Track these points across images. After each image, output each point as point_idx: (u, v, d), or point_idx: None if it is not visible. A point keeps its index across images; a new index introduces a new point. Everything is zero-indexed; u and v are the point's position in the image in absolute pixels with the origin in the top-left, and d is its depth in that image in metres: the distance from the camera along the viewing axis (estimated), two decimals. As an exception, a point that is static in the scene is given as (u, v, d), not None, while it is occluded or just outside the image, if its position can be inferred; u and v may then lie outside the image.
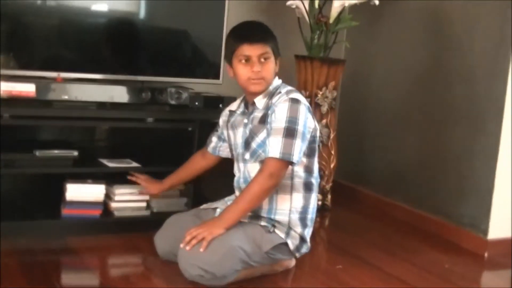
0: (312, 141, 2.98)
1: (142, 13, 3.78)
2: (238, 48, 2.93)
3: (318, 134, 3.03)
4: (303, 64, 4.15)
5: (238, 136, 3.07)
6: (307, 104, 2.95)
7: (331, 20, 4.08)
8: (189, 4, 3.80)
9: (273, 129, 2.85)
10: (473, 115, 3.75)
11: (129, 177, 3.37)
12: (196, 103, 3.66)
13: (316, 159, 3.04)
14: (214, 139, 3.28)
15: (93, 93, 3.46)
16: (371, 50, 4.61)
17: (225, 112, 3.22)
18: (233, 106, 3.18)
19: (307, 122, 2.90)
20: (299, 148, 2.84)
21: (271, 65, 2.95)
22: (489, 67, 3.66)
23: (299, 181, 2.99)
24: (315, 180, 3.05)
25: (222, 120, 3.23)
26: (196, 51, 3.88)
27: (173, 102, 3.58)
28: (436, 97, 4.02)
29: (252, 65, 2.91)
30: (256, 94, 2.98)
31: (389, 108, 4.43)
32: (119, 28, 3.69)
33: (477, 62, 3.74)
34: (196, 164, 3.35)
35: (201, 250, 2.72)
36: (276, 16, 4.42)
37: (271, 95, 2.96)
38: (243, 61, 2.92)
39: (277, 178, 2.85)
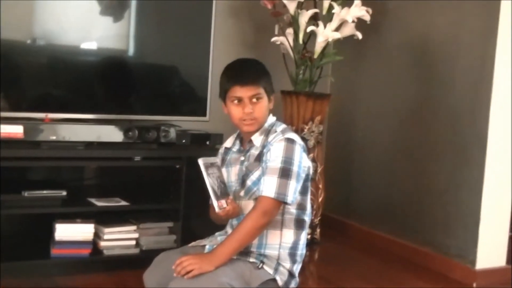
0: (306, 179, 2.99)
1: (128, 52, 3.82)
2: (230, 89, 2.93)
3: (311, 172, 3.04)
4: (289, 99, 4.19)
5: (233, 174, 3.07)
6: (302, 143, 2.97)
7: (315, 55, 4.12)
8: (175, 41, 3.85)
9: (268, 168, 2.86)
10: (458, 148, 3.79)
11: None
12: (183, 141, 3.69)
13: (309, 197, 3.05)
14: None
15: (81, 133, 3.49)
16: (356, 84, 4.66)
17: (221, 150, 3.23)
18: (228, 143, 3.19)
19: (302, 162, 2.92)
20: (293, 188, 2.85)
21: (264, 105, 2.95)
22: (471, 101, 3.72)
23: (290, 217, 2.99)
24: (307, 217, 3.04)
25: (219, 157, 3.24)
26: (183, 88, 3.92)
27: (160, 140, 3.60)
28: (421, 131, 4.07)
29: (244, 106, 2.91)
30: (251, 133, 3.01)
31: (375, 141, 4.47)
32: (105, 68, 3.73)
33: (460, 96, 3.80)
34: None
35: (186, 278, 2.72)
36: (261, 52, 4.45)
37: (267, 133, 2.98)
38: (235, 101, 2.94)
39: (270, 217, 2.85)
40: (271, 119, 3.03)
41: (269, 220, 2.85)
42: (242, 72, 2.96)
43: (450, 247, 3.80)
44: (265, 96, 2.94)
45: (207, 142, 3.67)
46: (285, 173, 2.82)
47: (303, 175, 2.92)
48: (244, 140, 3.06)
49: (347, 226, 4.62)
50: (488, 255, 3.68)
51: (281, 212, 2.94)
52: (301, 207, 3.00)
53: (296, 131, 4.14)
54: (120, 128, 3.58)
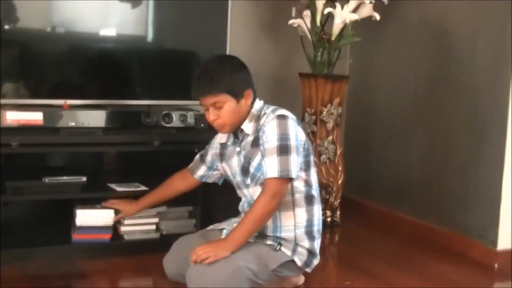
0: (306, 154, 2.99)
1: (146, 38, 3.83)
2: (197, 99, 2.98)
3: (310, 146, 3.05)
4: (307, 82, 4.18)
5: (234, 166, 3.09)
6: (295, 117, 2.98)
7: (333, 37, 4.10)
8: (192, 25, 3.85)
9: (266, 149, 2.88)
10: (478, 126, 3.76)
11: (103, 204, 3.40)
12: (202, 125, 3.70)
13: (313, 171, 3.05)
14: (203, 168, 3.27)
15: (100, 119, 3.51)
16: (374, 65, 4.64)
17: (215, 145, 3.24)
18: (222, 138, 3.21)
19: (298, 136, 2.93)
20: (295, 163, 2.87)
21: (228, 110, 2.94)
22: (491, 77, 3.68)
23: (300, 196, 3.01)
24: (315, 192, 3.06)
25: (212, 153, 3.24)
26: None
27: (179, 124, 3.62)
28: (440, 109, 4.04)
29: (209, 114, 2.96)
30: (225, 133, 3.04)
31: (394, 121, 4.45)
32: (123, 54, 3.76)
33: (479, 72, 3.76)
34: (176, 186, 3.34)
35: (206, 265, 2.75)
36: (279, 35, 4.47)
37: (257, 118, 2.99)
38: (204, 108, 2.98)
39: (279, 197, 2.87)
40: (259, 104, 3.04)
41: (279, 201, 2.87)
42: (199, 83, 2.97)
43: (471, 227, 3.78)
44: (230, 100, 2.94)
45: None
46: (283, 149, 2.85)
47: (301, 149, 2.93)
48: (237, 131, 3.08)
49: (367, 207, 4.61)
50: (509, 235, 3.65)
51: (290, 193, 2.96)
52: (307, 183, 3.02)
53: (315, 114, 4.14)
54: (138, 113, 3.60)
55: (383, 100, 4.57)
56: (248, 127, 3.00)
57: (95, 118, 3.50)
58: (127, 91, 3.77)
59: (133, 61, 3.80)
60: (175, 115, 3.64)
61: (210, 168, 3.26)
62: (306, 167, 3.00)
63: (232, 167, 3.10)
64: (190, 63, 3.92)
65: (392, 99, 4.48)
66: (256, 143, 2.96)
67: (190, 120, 3.67)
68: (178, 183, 3.35)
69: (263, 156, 2.90)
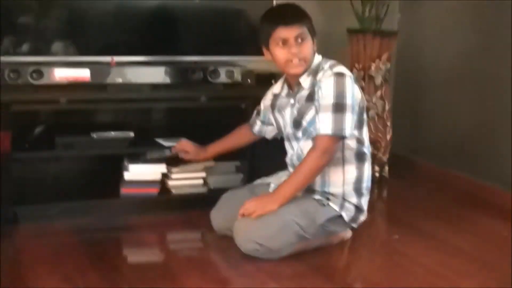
0: (360, 112, 2.97)
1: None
2: (274, 31, 2.92)
3: (365, 104, 3.02)
4: (356, 38, 4.13)
5: (287, 117, 3.08)
6: (352, 75, 2.95)
7: (382, -8, 4.05)
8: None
9: (321, 105, 2.85)
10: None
11: (172, 148, 3.39)
12: (248, 81, 3.69)
13: (366, 129, 3.03)
14: (258, 122, 3.29)
15: (146, 75, 3.52)
16: (424, 20, 4.55)
17: (268, 96, 3.23)
18: (276, 88, 3.19)
19: (355, 94, 2.90)
20: (350, 122, 2.85)
21: (309, 45, 2.94)
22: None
23: (350, 152, 2.99)
24: (366, 149, 3.04)
25: (264, 104, 3.24)
26: (246, 28, 3.90)
27: (225, 80, 3.61)
28: (491, 64, 3.96)
29: (290, 47, 2.91)
30: (298, 75, 2.99)
31: (444, 77, 4.37)
32: (170, 10, 3.73)
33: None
34: (242, 138, 3.37)
35: (253, 220, 2.76)
36: (326, -11, 4.40)
37: (314, 73, 2.96)
38: (280, 43, 2.92)
39: (330, 154, 2.86)
40: (317, 58, 3.02)
41: (330, 158, 2.86)
42: (286, 13, 2.96)
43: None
44: (309, 37, 2.93)
45: (273, 81, 3.64)
46: (339, 107, 2.82)
47: (356, 107, 2.90)
48: (292, 84, 3.05)
49: (415, 163, 4.56)
50: None
51: (340, 149, 2.94)
52: (359, 141, 3.00)
53: (363, 69, 4.10)
54: (185, 69, 3.59)
55: (433, 56, 4.49)
56: (305, 81, 2.97)
57: (142, 74, 3.51)
58: (173, 47, 3.74)
59: (179, 17, 3.77)
60: (221, 71, 3.62)
61: (263, 122, 3.27)
62: (360, 125, 2.97)
63: (284, 118, 3.09)
64: (236, 19, 3.90)
65: (442, 55, 4.40)
66: (311, 98, 2.94)
67: (237, 76, 3.65)
68: (242, 136, 3.38)
69: (317, 111, 2.87)
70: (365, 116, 3.02)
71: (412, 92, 4.67)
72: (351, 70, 4.16)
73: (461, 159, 4.21)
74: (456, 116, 4.27)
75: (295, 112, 3.00)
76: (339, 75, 2.87)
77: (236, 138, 3.37)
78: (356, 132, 2.96)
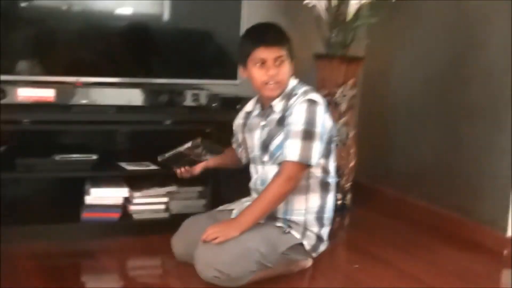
0: (329, 141, 2.98)
1: (160, 16, 3.80)
2: (253, 51, 2.91)
3: (334, 133, 3.02)
4: (322, 63, 4.14)
5: (256, 138, 3.07)
6: (325, 102, 2.95)
7: (349, 18, 4.06)
8: (205, 5, 3.81)
9: (290, 131, 2.85)
10: (491, 112, 3.72)
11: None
12: (214, 104, 3.68)
13: (332, 159, 3.04)
14: (234, 145, 3.31)
15: (112, 97, 3.50)
16: (390, 47, 4.59)
17: (241, 115, 3.23)
18: (249, 107, 3.19)
19: (325, 123, 2.90)
20: (317, 150, 2.85)
21: (287, 68, 2.94)
22: (506, 63, 3.63)
23: (315, 181, 2.99)
24: (332, 179, 3.05)
25: (237, 123, 3.23)
26: (213, 52, 3.90)
27: (190, 103, 3.61)
28: (455, 94, 4.00)
29: (268, 68, 2.91)
30: (271, 98, 2.99)
31: (409, 106, 4.41)
32: (137, 32, 3.73)
33: (494, 58, 3.71)
34: (232, 158, 3.32)
35: (214, 246, 2.76)
36: (293, 15, 4.42)
37: (288, 97, 2.96)
38: (259, 64, 2.92)
39: (295, 181, 2.86)
40: (292, 82, 3.02)
41: (295, 186, 2.86)
42: (266, 33, 2.95)
43: (482, 214, 3.75)
44: (288, 60, 2.93)
45: (238, 106, 3.65)
46: (308, 135, 2.81)
47: (325, 136, 2.90)
48: (265, 105, 3.05)
49: (378, 192, 4.58)
50: (520, 222, 3.63)
51: (306, 177, 2.94)
52: (325, 170, 3.00)
53: (329, 95, 4.11)
54: (150, 92, 3.58)
55: (398, 83, 4.52)
56: (278, 104, 2.97)
57: (107, 96, 3.49)
58: (140, 70, 3.74)
59: (146, 40, 3.77)
60: (187, 94, 3.62)
61: (238, 145, 3.26)
62: (327, 154, 2.97)
63: (253, 140, 3.07)
64: (203, 42, 3.90)
65: (407, 83, 4.44)
66: (281, 122, 2.93)
67: (203, 99, 3.65)
68: (231, 156, 3.34)
69: (286, 137, 2.87)
70: (333, 146, 3.02)
71: (377, 119, 4.69)
72: (317, 96, 4.18)
73: (423, 187, 4.24)
74: (419, 145, 4.31)
75: (264, 135, 3.00)
76: (312, 102, 2.86)
77: (229, 157, 3.30)
78: (322, 161, 2.96)
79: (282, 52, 2.91)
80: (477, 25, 3.85)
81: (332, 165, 3.04)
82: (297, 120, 2.84)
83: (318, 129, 2.84)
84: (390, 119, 4.57)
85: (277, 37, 2.94)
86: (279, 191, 2.85)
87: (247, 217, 2.86)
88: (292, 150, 2.82)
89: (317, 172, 2.97)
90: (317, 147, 2.84)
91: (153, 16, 3.79)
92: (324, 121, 2.89)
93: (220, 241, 2.77)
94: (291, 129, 2.85)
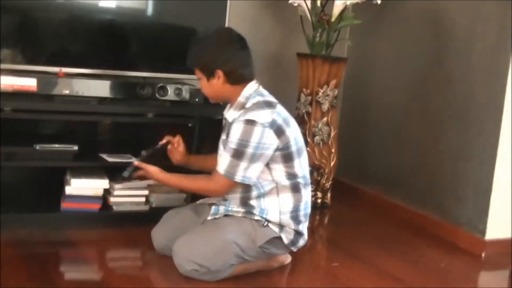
0: (285, 147, 2.94)
1: (145, 11, 3.80)
2: None
3: (292, 140, 2.97)
4: (305, 62, 4.16)
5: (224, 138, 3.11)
6: (269, 120, 2.88)
7: (333, 19, 4.09)
8: (192, 2, 3.82)
9: (226, 145, 2.91)
10: (472, 115, 3.76)
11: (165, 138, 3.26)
12: (197, 99, 3.68)
13: (297, 162, 2.98)
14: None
15: (94, 88, 3.48)
16: (373, 49, 4.62)
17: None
18: (225, 111, 3.19)
19: (262, 142, 2.86)
20: (243, 169, 2.86)
21: (204, 84, 3.02)
22: (488, 68, 3.67)
23: (283, 185, 2.99)
24: (301, 179, 3.03)
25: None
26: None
27: (174, 98, 3.60)
28: (436, 97, 4.03)
29: None
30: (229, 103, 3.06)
31: (390, 107, 4.44)
32: (121, 25, 3.73)
33: (477, 62, 3.74)
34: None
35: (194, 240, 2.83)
36: (278, 14, 4.44)
37: (241, 106, 2.97)
38: None
39: (219, 189, 2.96)
40: (248, 90, 3.00)
41: (216, 192, 3.00)
42: (188, 56, 3.06)
43: (460, 216, 3.79)
44: (202, 76, 2.98)
45: (220, 103, 3.65)
46: (237, 154, 2.86)
47: (261, 156, 2.88)
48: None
49: (358, 191, 4.61)
50: (498, 226, 3.66)
51: (273, 181, 2.95)
52: (290, 174, 2.99)
53: (311, 95, 4.13)
54: (134, 85, 3.57)
55: (380, 85, 4.56)
56: (231, 115, 2.99)
57: (90, 87, 3.47)
58: (124, 62, 3.74)
59: (131, 33, 3.77)
60: (170, 88, 3.61)
61: None
62: (287, 159, 2.95)
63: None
64: (188, 38, 3.87)
65: (389, 85, 4.47)
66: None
67: (185, 94, 3.64)
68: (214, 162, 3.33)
69: (224, 147, 2.93)
70: (294, 149, 2.97)
71: (358, 120, 4.72)
72: (299, 95, 4.20)
73: (403, 188, 4.27)
74: (399, 146, 4.34)
75: (224, 135, 3.04)
76: (250, 122, 2.84)
77: (209, 161, 3.26)
78: (283, 167, 2.95)
79: (197, 71, 3.01)
80: (459, 28, 3.88)
81: (298, 168, 3.00)
82: (232, 137, 2.89)
83: (250, 149, 2.84)
84: (372, 119, 4.60)
85: (189, 60, 3.03)
86: (201, 188, 3.04)
87: (170, 179, 3.04)
88: (221, 163, 2.92)
89: (282, 178, 2.96)
90: (243, 167, 2.86)
91: (138, 10, 3.79)
92: (261, 141, 2.86)
93: (139, 175, 3.08)
94: (228, 143, 2.90)
